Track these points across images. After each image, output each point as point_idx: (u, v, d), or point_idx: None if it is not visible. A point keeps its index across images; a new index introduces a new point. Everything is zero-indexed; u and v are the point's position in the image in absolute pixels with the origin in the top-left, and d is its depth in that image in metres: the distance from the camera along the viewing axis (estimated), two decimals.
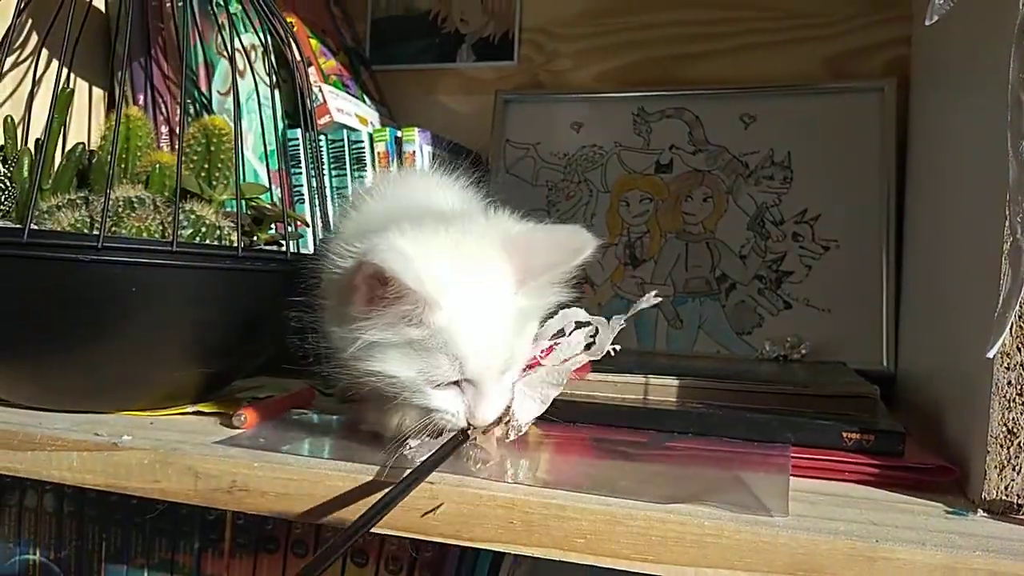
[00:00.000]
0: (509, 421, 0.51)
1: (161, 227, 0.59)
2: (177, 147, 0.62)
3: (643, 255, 0.97)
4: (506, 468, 0.50)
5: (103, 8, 0.90)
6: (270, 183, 0.80)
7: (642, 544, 0.42)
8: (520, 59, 1.07)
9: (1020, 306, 0.43)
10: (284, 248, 0.64)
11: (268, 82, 0.78)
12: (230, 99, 0.83)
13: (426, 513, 0.45)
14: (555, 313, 0.54)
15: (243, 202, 0.69)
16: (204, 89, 0.87)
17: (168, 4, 0.88)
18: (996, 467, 0.44)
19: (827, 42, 0.96)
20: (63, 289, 0.54)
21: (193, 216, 0.61)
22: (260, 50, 0.85)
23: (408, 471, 0.44)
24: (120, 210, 0.59)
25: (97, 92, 0.88)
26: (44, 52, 0.74)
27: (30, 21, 0.79)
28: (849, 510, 0.44)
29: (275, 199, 0.80)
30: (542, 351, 0.54)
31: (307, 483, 0.48)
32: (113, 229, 0.58)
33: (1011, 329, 0.43)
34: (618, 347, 0.54)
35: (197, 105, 0.86)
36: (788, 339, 0.86)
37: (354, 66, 1.05)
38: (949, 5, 0.46)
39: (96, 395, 0.60)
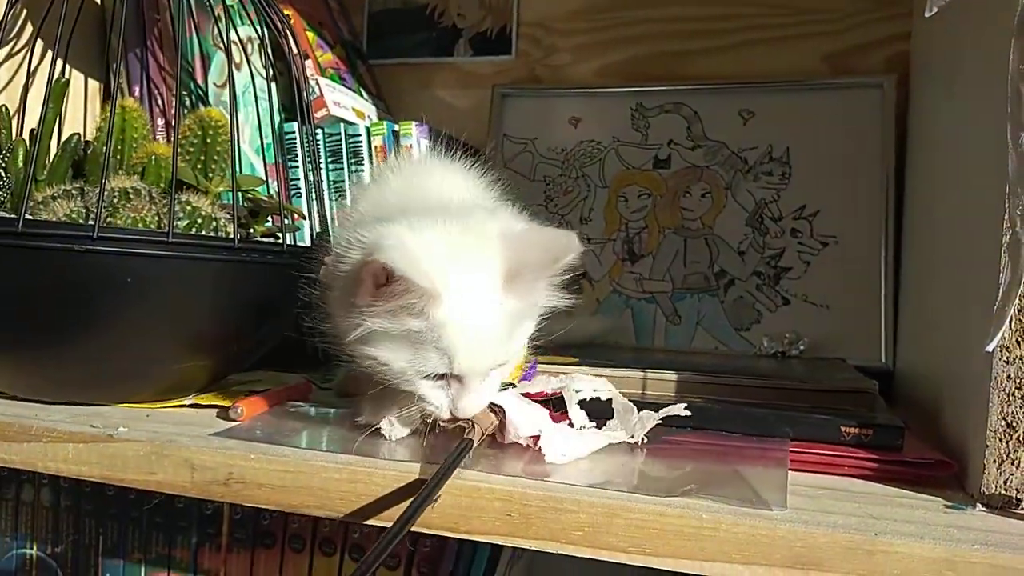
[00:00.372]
0: (503, 425, 0.52)
1: (157, 218, 0.58)
2: (173, 138, 0.61)
3: (641, 251, 0.97)
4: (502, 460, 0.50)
5: (98, 0, 0.90)
6: (266, 176, 0.80)
7: (640, 537, 0.42)
8: (518, 53, 1.07)
9: (1020, 299, 0.43)
10: (280, 240, 0.64)
11: (264, 75, 0.78)
12: (226, 91, 0.83)
13: None
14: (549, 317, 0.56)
15: (239, 194, 0.69)
16: (200, 81, 0.86)
17: None
18: (995, 461, 0.44)
19: (827, 38, 0.96)
20: (58, 280, 0.54)
21: (189, 207, 0.60)
22: (256, 42, 0.85)
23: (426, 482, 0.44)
24: (115, 201, 0.58)
25: (93, 83, 0.87)
26: (39, 43, 0.73)
27: (25, 11, 0.78)
28: (848, 504, 0.44)
29: (272, 192, 0.79)
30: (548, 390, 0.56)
31: (303, 475, 0.48)
32: (108, 220, 0.57)
33: (1010, 323, 0.43)
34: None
35: (193, 97, 0.86)
36: (786, 335, 0.86)
37: (351, 59, 1.05)
38: None
39: (92, 387, 0.59)
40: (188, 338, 0.59)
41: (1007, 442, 0.44)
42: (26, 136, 0.65)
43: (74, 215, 0.57)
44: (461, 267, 0.49)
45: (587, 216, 0.99)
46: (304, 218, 0.80)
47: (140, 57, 0.88)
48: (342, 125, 0.90)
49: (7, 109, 0.66)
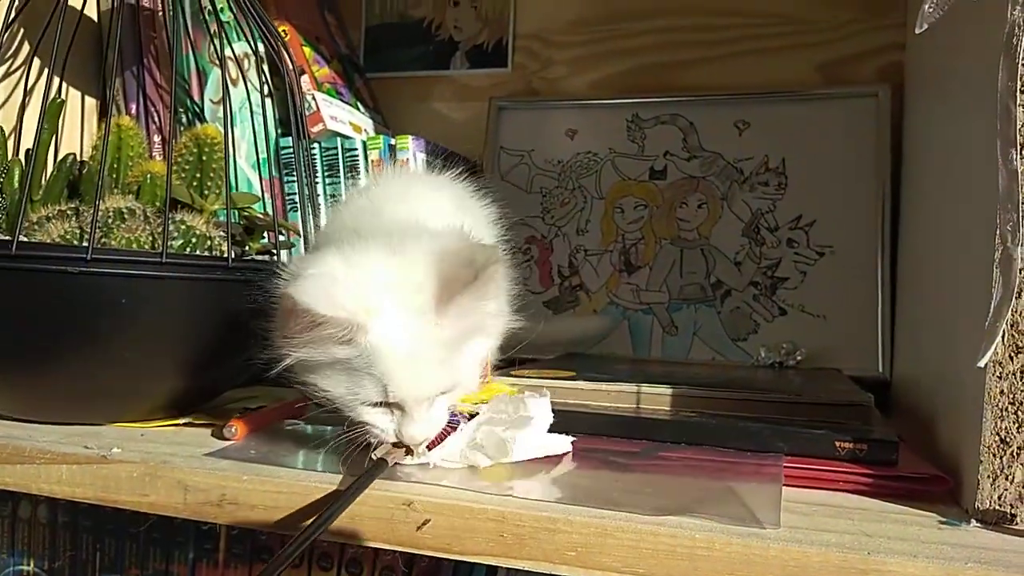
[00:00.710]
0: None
1: (151, 238, 0.59)
2: (167, 157, 0.61)
3: (638, 262, 0.97)
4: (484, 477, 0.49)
5: (95, 17, 0.90)
6: (263, 192, 0.80)
7: (633, 557, 0.41)
8: (514, 66, 1.07)
9: (1012, 314, 0.43)
10: (276, 258, 0.64)
11: (262, 91, 0.78)
12: (223, 108, 0.83)
13: (419, 527, 0.45)
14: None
15: (235, 211, 0.69)
16: (196, 98, 0.87)
17: (160, 13, 0.88)
18: (989, 476, 0.44)
19: (821, 48, 0.97)
20: (53, 301, 0.54)
21: (184, 227, 0.61)
22: (253, 58, 0.85)
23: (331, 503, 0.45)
24: (110, 221, 0.58)
25: (90, 101, 0.87)
26: (36, 61, 0.74)
27: (22, 30, 0.78)
28: (842, 521, 0.44)
29: (268, 208, 0.80)
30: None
31: (297, 496, 0.48)
32: (103, 240, 0.57)
33: (1003, 338, 0.43)
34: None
35: (190, 114, 0.86)
36: (783, 345, 0.86)
37: (348, 74, 1.05)
38: (939, 13, 0.46)
39: (87, 407, 0.60)
40: (183, 357, 0.59)
41: (1001, 457, 0.44)
42: (22, 156, 0.65)
43: (69, 236, 0.57)
44: (390, 292, 0.48)
45: (584, 227, 0.99)
46: (299, 235, 0.80)
47: (136, 74, 0.88)
48: (339, 139, 0.90)
49: (2, 129, 0.66)
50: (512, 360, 0.78)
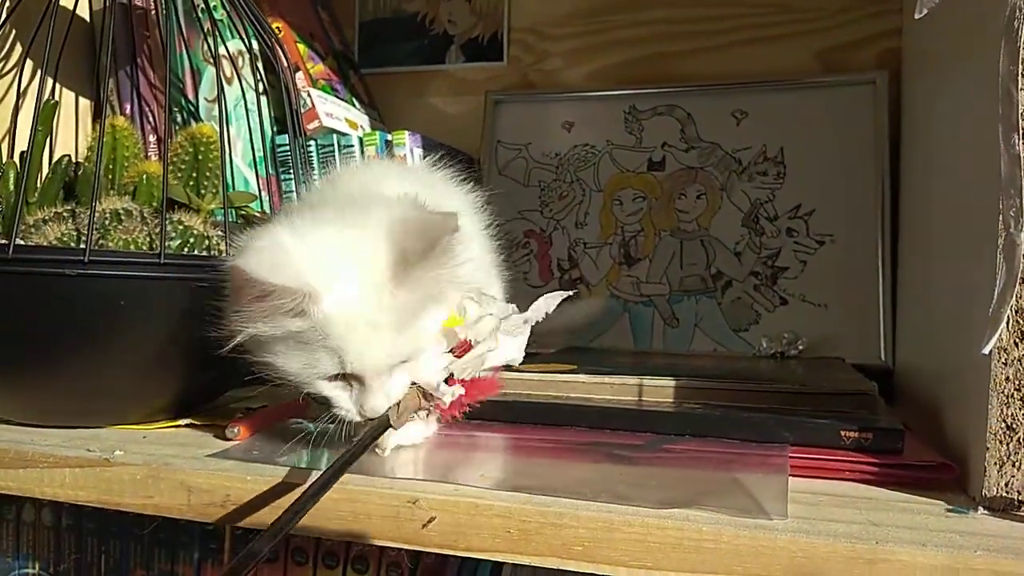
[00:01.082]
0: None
1: (148, 239, 0.58)
2: (163, 157, 0.61)
3: (638, 254, 0.96)
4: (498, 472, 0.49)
5: (88, 17, 0.89)
6: (259, 189, 0.79)
7: (640, 551, 0.41)
8: (509, 59, 1.07)
9: (1017, 300, 0.43)
10: None
11: (256, 88, 0.78)
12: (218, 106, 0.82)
13: (425, 524, 0.45)
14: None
15: (232, 210, 0.69)
16: (191, 96, 0.86)
17: (153, 12, 0.88)
18: (996, 464, 0.44)
19: (818, 35, 0.96)
20: (50, 304, 0.54)
21: (181, 227, 0.60)
22: (247, 56, 0.85)
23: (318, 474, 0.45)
24: (107, 223, 0.58)
25: (84, 102, 0.87)
26: (29, 63, 0.73)
27: (14, 32, 0.78)
28: (848, 510, 0.44)
29: (266, 206, 0.79)
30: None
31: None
32: (100, 242, 0.57)
33: (1008, 324, 0.43)
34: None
35: (184, 113, 0.86)
36: (785, 335, 0.86)
37: (343, 70, 1.04)
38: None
39: (87, 410, 0.59)
40: (183, 358, 0.58)
41: (1007, 444, 0.44)
42: (17, 158, 0.65)
43: (65, 238, 0.57)
44: (342, 262, 0.48)
45: (582, 220, 0.99)
46: None
47: (131, 74, 0.87)
48: (335, 136, 0.90)
49: None
50: None
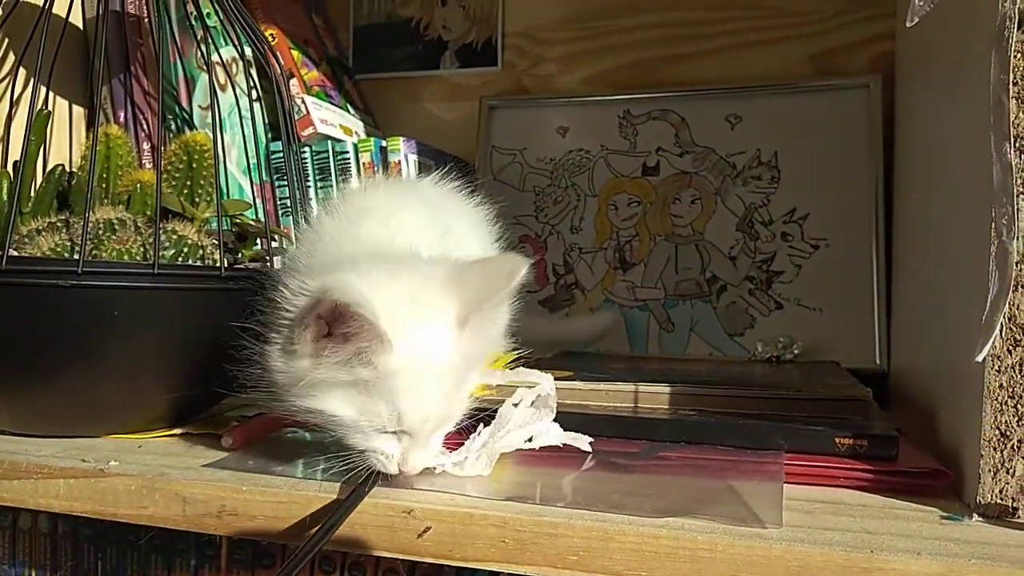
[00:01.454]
0: None
1: (142, 249, 0.58)
2: (156, 167, 0.61)
3: (633, 258, 0.97)
4: (494, 482, 0.49)
5: (81, 25, 0.89)
6: (254, 197, 0.79)
7: (635, 560, 0.41)
8: (504, 65, 1.07)
9: (1009, 307, 0.43)
10: (269, 264, 0.63)
11: (249, 95, 0.77)
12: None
13: (420, 535, 0.45)
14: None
15: (226, 219, 0.69)
16: (185, 104, 0.86)
17: (146, 19, 0.88)
18: (990, 470, 0.44)
19: (812, 40, 0.96)
20: (44, 315, 0.53)
21: (175, 236, 0.60)
22: (241, 63, 0.85)
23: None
24: (100, 233, 0.58)
25: (78, 110, 0.87)
26: (21, 72, 0.73)
27: (7, 40, 0.78)
28: (843, 518, 0.44)
29: (261, 214, 0.79)
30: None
31: (296, 506, 0.47)
32: (94, 253, 0.57)
33: (1001, 331, 0.43)
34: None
35: (179, 121, 0.85)
36: (780, 340, 0.86)
37: (337, 76, 1.04)
38: (929, 6, 0.46)
39: (82, 420, 0.59)
40: (178, 368, 0.58)
41: (1001, 451, 0.44)
42: (10, 168, 0.65)
43: (59, 249, 0.57)
44: (413, 313, 0.47)
45: (577, 225, 0.99)
46: (292, 240, 0.79)
47: (124, 82, 0.87)
48: (329, 142, 0.90)
49: None
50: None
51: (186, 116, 0.86)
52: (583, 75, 1.04)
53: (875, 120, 0.89)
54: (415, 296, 0.48)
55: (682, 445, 0.56)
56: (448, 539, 0.44)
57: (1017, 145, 0.42)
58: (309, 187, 0.89)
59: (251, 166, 0.84)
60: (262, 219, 0.75)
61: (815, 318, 0.89)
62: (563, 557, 0.43)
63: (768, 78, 0.96)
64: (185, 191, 0.67)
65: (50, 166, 0.67)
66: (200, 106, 0.86)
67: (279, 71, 0.73)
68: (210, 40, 0.77)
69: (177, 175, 0.67)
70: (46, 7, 0.59)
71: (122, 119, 0.87)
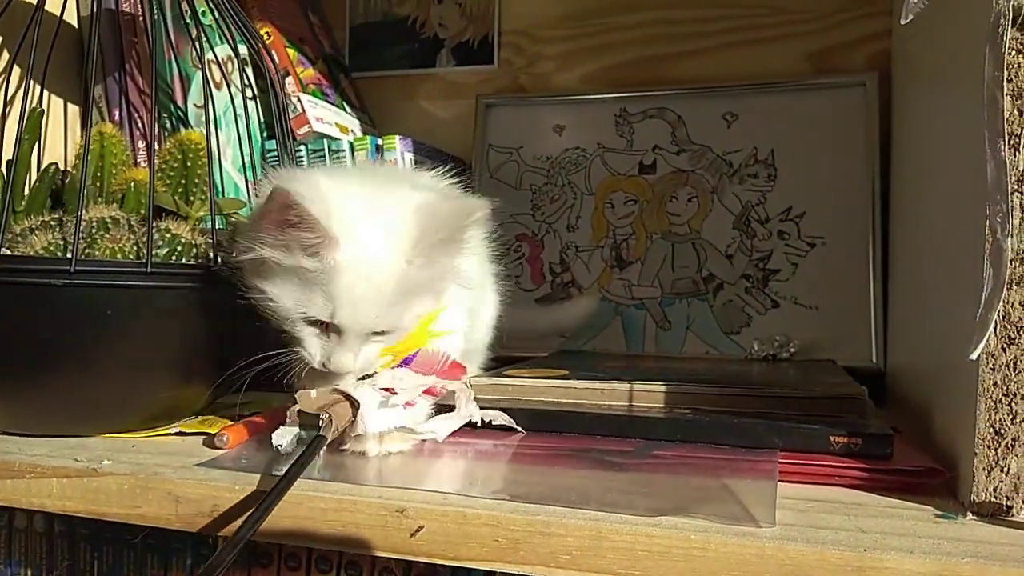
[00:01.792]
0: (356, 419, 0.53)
1: (136, 248, 0.58)
2: (149, 165, 0.61)
3: (629, 257, 0.96)
4: (480, 479, 0.49)
5: (75, 23, 0.89)
6: (249, 196, 0.79)
7: (629, 559, 0.41)
8: (500, 63, 1.07)
9: (1003, 305, 0.43)
10: None
11: (244, 93, 0.77)
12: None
13: (413, 534, 0.45)
14: None
15: (221, 217, 0.68)
16: (180, 103, 0.86)
17: (141, 18, 0.87)
18: (984, 469, 0.44)
19: (808, 38, 0.96)
20: (37, 314, 0.53)
21: (169, 235, 0.60)
22: (236, 61, 0.84)
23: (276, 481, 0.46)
24: (94, 231, 0.58)
25: (72, 109, 0.87)
26: (16, 69, 0.73)
27: (0, 39, 0.78)
28: (837, 517, 0.44)
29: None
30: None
31: (289, 505, 0.47)
32: (87, 251, 0.57)
33: (995, 329, 0.43)
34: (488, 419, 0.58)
35: (173, 119, 0.85)
36: (777, 338, 0.86)
37: (333, 74, 1.04)
38: (923, 3, 0.46)
39: (76, 419, 0.59)
40: (171, 367, 0.58)
41: (995, 449, 0.44)
42: (4, 167, 0.65)
43: (52, 248, 0.57)
44: (368, 220, 0.51)
45: (574, 224, 0.99)
46: None
47: (119, 80, 0.87)
48: (325, 141, 0.90)
49: None
50: (504, 359, 0.78)
51: (181, 114, 0.86)
52: (580, 73, 1.04)
53: (872, 118, 0.89)
54: (379, 205, 0.52)
55: (677, 444, 0.55)
56: (441, 538, 0.44)
57: (1011, 143, 0.42)
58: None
59: (246, 164, 0.84)
60: None
61: (811, 316, 0.89)
62: (556, 556, 0.42)
63: (765, 76, 0.96)
64: (180, 190, 0.67)
65: (44, 165, 0.66)
66: (195, 104, 0.86)
67: (274, 69, 0.73)
68: (205, 38, 0.76)
69: (172, 174, 0.67)
70: (39, 5, 0.59)
71: (116, 117, 0.87)
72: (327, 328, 0.52)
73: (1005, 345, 0.43)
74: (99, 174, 0.66)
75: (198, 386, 0.62)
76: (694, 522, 0.42)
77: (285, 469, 0.47)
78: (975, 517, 0.44)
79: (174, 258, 0.60)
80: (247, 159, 0.82)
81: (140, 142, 0.87)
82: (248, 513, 0.45)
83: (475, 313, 0.70)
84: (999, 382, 0.44)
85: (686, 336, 0.92)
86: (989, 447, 0.44)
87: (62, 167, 0.68)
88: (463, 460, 0.56)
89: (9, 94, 0.70)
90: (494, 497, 0.46)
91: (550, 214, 1.00)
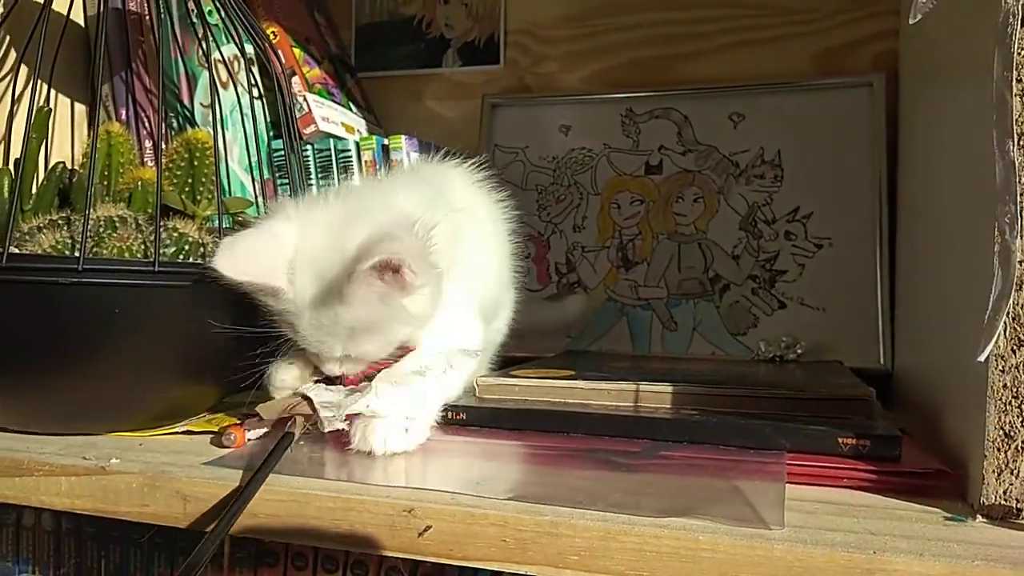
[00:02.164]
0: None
1: (143, 247, 0.58)
2: (156, 164, 0.61)
3: (635, 257, 0.96)
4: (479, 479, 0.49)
5: (82, 23, 0.89)
6: (255, 195, 0.79)
7: (636, 560, 0.41)
8: (506, 63, 1.07)
9: (1013, 307, 0.43)
10: None
11: (251, 93, 0.77)
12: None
13: (421, 533, 0.45)
14: None
15: (228, 216, 0.68)
16: (187, 102, 0.86)
17: (148, 17, 0.87)
18: (994, 471, 0.44)
19: (815, 38, 0.96)
20: (45, 312, 0.53)
21: (176, 234, 0.60)
22: (242, 60, 0.84)
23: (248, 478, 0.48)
24: (101, 230, 0.58)
25: (79, 108, 0.87)
26: (23, 69, 0.73)
27: (8, 38, 0.78)
28: (846, 519, 0.44)
29: (263, 211, 0.79)
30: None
31: (296, 504, 0.47)
32: (94, 250, 0.57)
33: (1004, 331, 0.43)
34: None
35: (180, 118, 0.85)
36: (783, 339, 0.86)
37: (339, 74, 1.04)
38: (932, 3, 0.46)
39: (84, 417, 0.59)
40: (179, 365, 0.58)
41: (1005, 452, 0.44)
42: (11, 166, 0.65)
43: (60, 246, 0.57)
44: (305, 269, 0.54)
45: (580, 224, 0.99)
46: None
47: (125, 79, 0.87)
48: (331, 140, 0.90)
49: None
50: (510, 359, 0.78)
51: (187, 114, 0.86)
52: (586, 73, 1.04)
53: (878, 119, 0.89)
54: (322, 247, 0.55)
55: (684, 445, 0.55)
56: (449, 538, 0.44)
57: (1020, 143, 0.42)
58: (311, 185, 0.89)
59: (253, 163, 0.84)
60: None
61: (818, 317, 0.88)
62: (564, 557, 0.42)
63: (771, 76, 0.96)
64: (187, 189, 0.67)
65: (51, 163, 0.67)
66: (201, 104, 0.86)
67: (280, 69, 0.73)
68: (211, 37, 0.77)
69: (179, 173, 0.67)
70: (46, 4, 0.59)
71: (123, 117, 0.87)
72: None
73: (1015, 347, 0.43)
74: (106, 173, 0.66)
75: (205, 384, 0.62)
76: (702, 523, 0.42)
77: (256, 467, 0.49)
78: (985, 520, 0.44)
79: (181, 257, 0.60)
80: (253, 158, 0.82)
81: (147, 141, 0.87)
82: (225, 510, 0.46)
83: (495, 314, 0.70)
84: (1009, 384, 0.43)
85: (692, 337, 0.92)
86: (999, 449, 0.44)
87: (69, 166, 0.68)
88: (471, 460, 0.56)
89: (16, 93, 0.70)
90: (502, 497, 0.46)
91: (556, 214, 1.00)
